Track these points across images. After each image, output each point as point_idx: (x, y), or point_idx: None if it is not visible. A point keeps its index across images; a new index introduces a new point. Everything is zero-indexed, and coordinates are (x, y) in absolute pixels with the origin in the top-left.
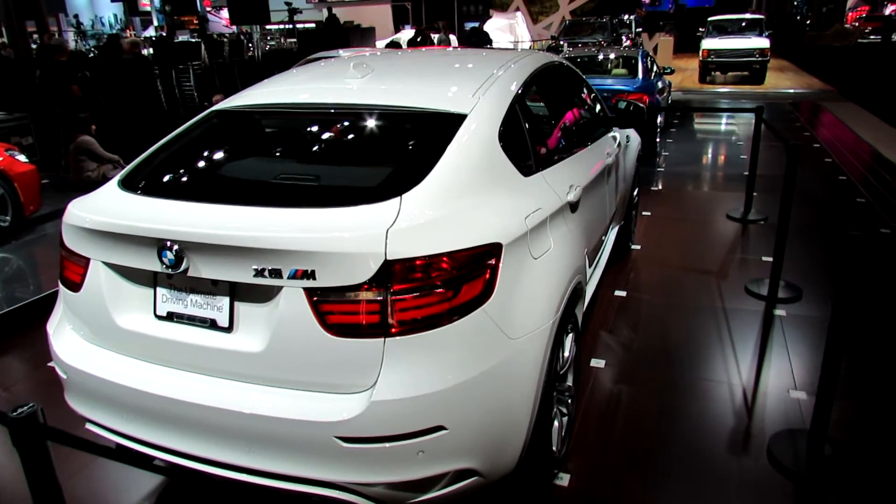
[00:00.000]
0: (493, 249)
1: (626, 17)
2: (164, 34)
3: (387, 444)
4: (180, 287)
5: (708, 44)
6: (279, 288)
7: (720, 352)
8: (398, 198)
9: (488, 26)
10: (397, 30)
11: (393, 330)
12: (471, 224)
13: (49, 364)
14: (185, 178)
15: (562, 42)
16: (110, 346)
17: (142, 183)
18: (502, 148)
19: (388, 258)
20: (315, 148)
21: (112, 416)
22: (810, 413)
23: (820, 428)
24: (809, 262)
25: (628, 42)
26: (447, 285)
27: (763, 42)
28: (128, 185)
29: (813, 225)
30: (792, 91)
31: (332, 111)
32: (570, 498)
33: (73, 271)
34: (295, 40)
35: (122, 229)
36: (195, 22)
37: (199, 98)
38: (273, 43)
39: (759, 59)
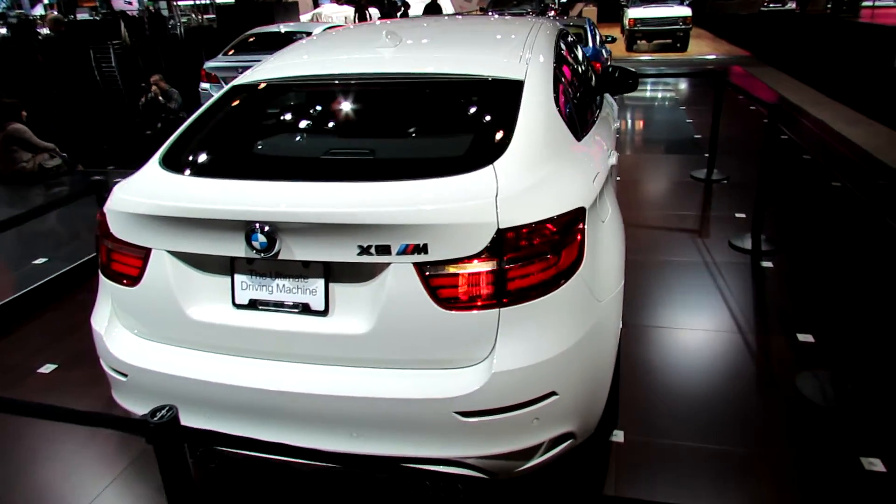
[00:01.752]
0: (580, 214)
1: None
2: (57, 12)
3: (505, 415)
4: (263, 272)
5: (634, 13)
6: (384, 265)
7: (722, 304)
8: (490, 166)
9: (326, 9)
10: (316, 5)
11: (506, 300)
12: (559, 189)
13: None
14: (247, 157)
15: (490, 13)
16: (180, 342)
17: (194, 164)
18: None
19: (501, 227)
20: (377, 120)
21: (189, 415)
22: (820, 354)
23: (841, 366)
24: (780, 217)
25: (552, 13)
26: (553, 251)
27: (686, 11)
28: (176, 166)
29: (772, 182)
30: (713, 57)
31: (382, 81)
32: (629, 452)
33: (126, 264)
34: (213, 16)
35: (205, 214)
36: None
37: (122, 80)
38: (185, 20)
39: (683, 26)
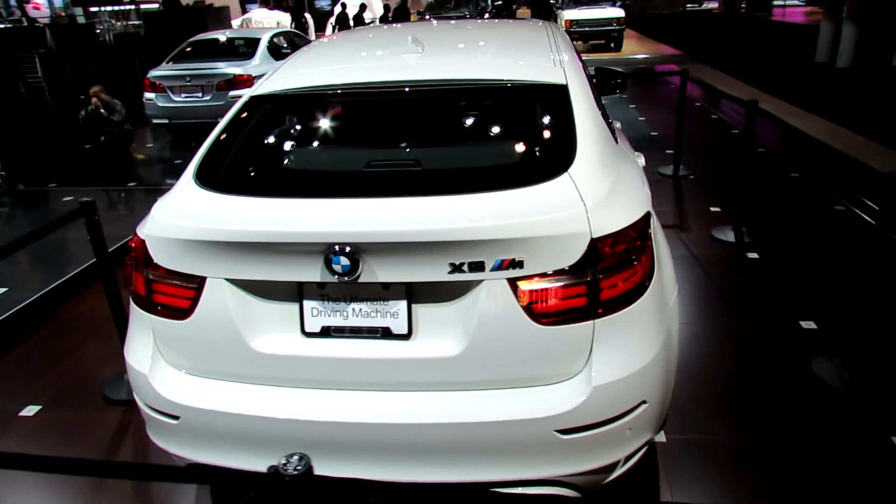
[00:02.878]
0: (648, 218)
1: None
2: None
3: (603, 429)
4: (337, 297)
5: (569, 15)
6: (475, 283)
7: (720, 297)
8: (565, 174)
9: (255, 14)
10: (244, 10)
11: (600, 311)
12: (628, 195)
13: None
14: (302, 172)
15: (428, 17)
16: (242, 377)
17: (241, 182)
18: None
19: (594, 236)
20: (428, 129)
21: (254, 456)
22: (825, 339)
23: (853, 350)
24: (752, 209)
25: (487, 16)
26: (637, 258)
27: (619, 12)
28: (218, 185)
29: (735, 175)
30: (647, 56)
31: (426, 88)
32: (674, 449)
33: (174, 295)
34: (137, 22)
35: (279, 238)
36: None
37: (50, 91)
38: (101, 27)
39: (617, 27)
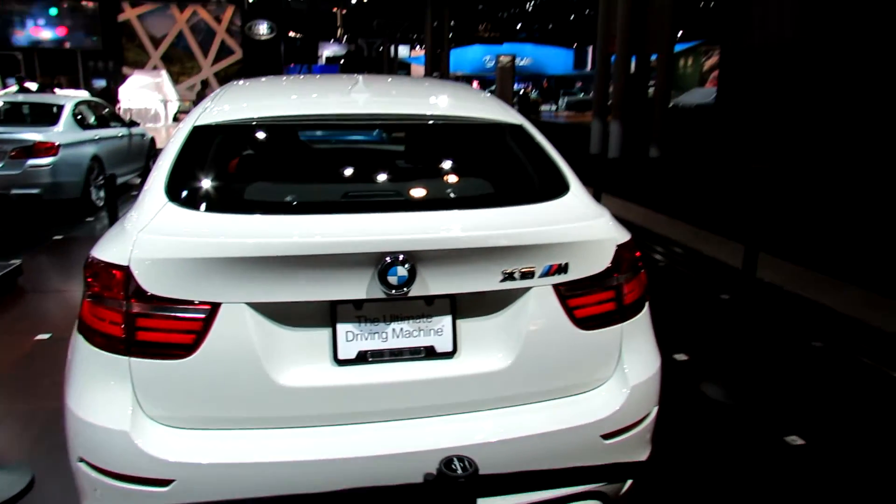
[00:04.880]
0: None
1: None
2: None
3: (636, 430)
4: (376, 318)
5: None
6: (517, 293)
7: None
8: (570, 192)
9: (131, 84)
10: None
11: (625, 314)
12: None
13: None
14: (311, 194)
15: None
16: (261, 421)
17: (240, 203)
18: None
19: (618, 242)
20: (413, 159)
21: None
22: (697, 367)
23: (729, 374)
24: None
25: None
26: (641, 267)
27: None
28: (211, 207)
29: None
30: None
31: (396, 123)
32: None
33: (173, 330)
34: None
35: (337, 248)
36: None
37: None
38: None
39: None
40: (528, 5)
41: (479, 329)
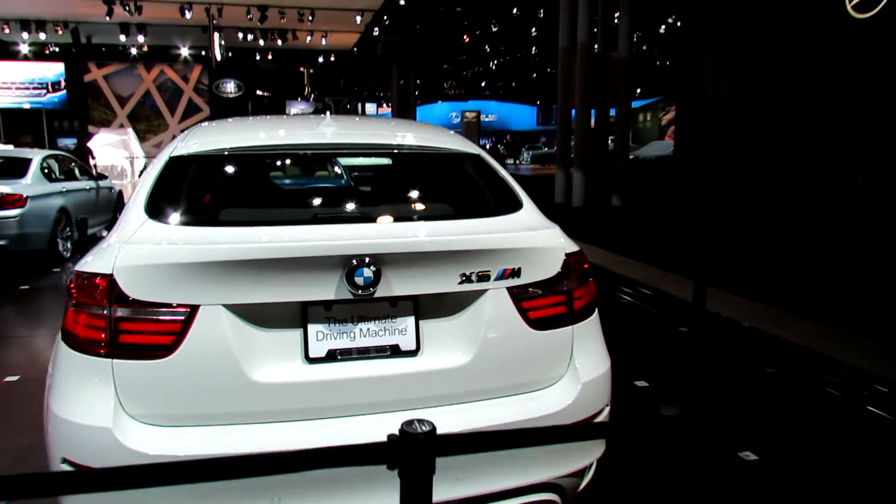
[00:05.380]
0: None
1: None
2: None
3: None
4: (344, 318)
5: None
6: (475, 295)
7: None
8: (523, 209)
9: (97, 141)
10: None
11: (575, 317)
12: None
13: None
14: (282, 207)
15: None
16: (234, 415)
17: (215, 217)
18: None
19: (566, 251)
20: (366, 183)
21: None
22: (656, 391)
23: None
24: None
25: None
26: (589, 278)
27: None
28: (189, 223)
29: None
30: None
31: (353, 152)
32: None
33: (154, 332)
34: None
35: (307, 251)
36: None
37: None
38: None
39: None
40: (491, 64)
41: (440, 329)
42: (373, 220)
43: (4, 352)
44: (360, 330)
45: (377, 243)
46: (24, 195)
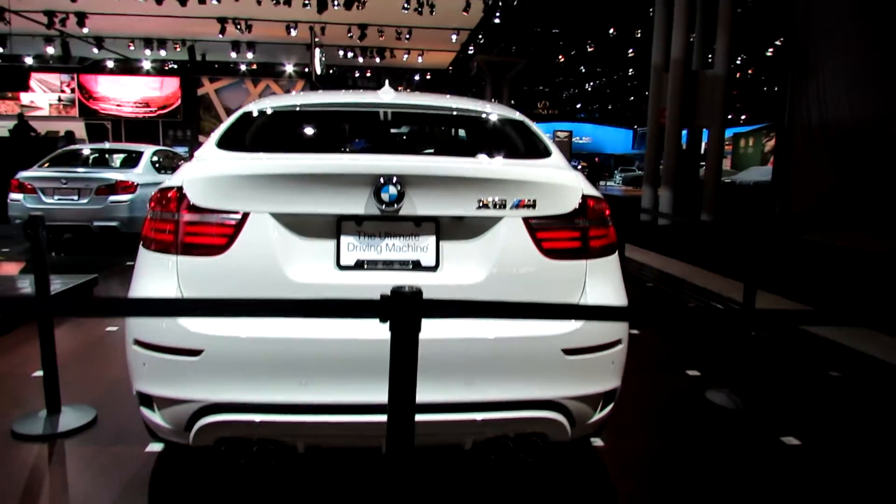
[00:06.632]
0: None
1: None
2: None
3: (595, 354)
4: (373, 233)
5: None
6: (494, 221)
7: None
8: (552, 155)
9: None
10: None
11: (590, 253)
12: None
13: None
14: (335, 140)
15: None
16: None
17: (273, 146)
18: None
19: (584, 193)
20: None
21: (280, 387)
22: (708, 380)
23: (732, 385)
24: None
25: None
26: (609, 222)
27: None
28: (252, 150)
29: None
30: None
31: (432, 114)
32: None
33: (210, 234)
34: None
35: (339, 169)
36: None
37: None
38: None
39: None
40: (587, 86)
41: (459, 250)
42: (404, 152)
43: None
44: (387, 244)
45: (401, 165)
46: (136, 182)
